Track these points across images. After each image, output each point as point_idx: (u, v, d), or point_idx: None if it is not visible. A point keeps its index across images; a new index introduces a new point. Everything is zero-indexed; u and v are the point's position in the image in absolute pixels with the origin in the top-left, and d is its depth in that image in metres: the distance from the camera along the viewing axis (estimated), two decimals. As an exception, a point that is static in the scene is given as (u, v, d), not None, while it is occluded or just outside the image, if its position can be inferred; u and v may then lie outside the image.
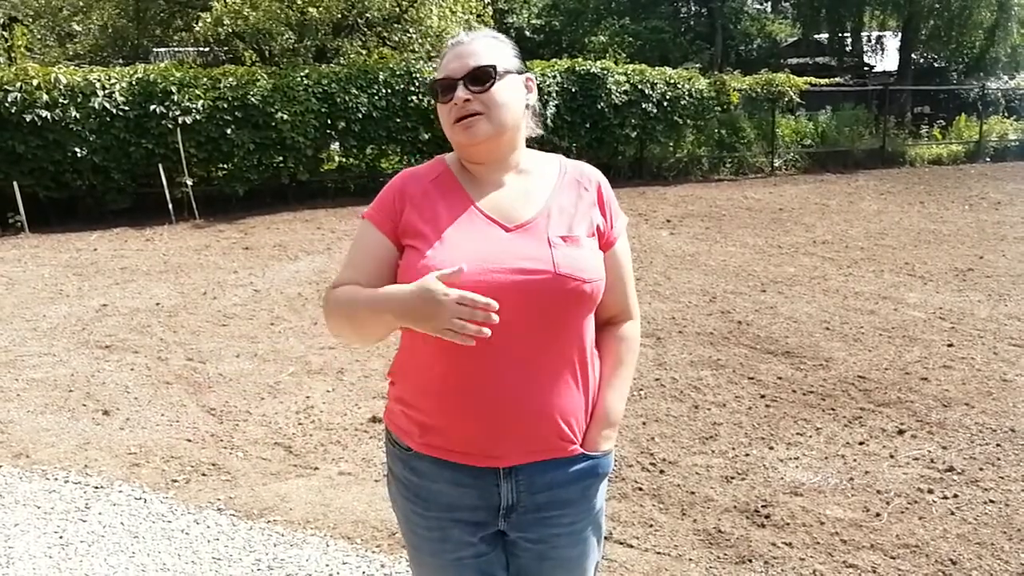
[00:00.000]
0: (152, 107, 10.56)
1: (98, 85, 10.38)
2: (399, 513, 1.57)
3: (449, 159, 1.55)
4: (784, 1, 29.49)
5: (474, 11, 14.62)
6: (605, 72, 13.73)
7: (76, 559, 2.92)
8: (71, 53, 16.44)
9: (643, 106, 14.01)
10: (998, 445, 3.75)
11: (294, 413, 4.29)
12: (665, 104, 14.33)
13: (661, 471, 3.56)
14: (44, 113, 9.95)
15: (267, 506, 3.30)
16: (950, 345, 5.22)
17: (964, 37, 23.25)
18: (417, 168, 1.56)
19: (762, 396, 4.41)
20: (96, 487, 3.48)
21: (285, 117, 11.24)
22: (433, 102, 1.52)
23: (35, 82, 9.97)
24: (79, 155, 10.25)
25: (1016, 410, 4.15)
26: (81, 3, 16.03)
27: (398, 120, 12.18)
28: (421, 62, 12.73)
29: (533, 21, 26.63)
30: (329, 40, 14.58)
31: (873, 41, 27.91)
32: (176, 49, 18.84)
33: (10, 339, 5.64)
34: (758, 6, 31.11)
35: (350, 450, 3.84)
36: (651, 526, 3.11)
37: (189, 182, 10.84)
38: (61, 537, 3.07)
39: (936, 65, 26.28)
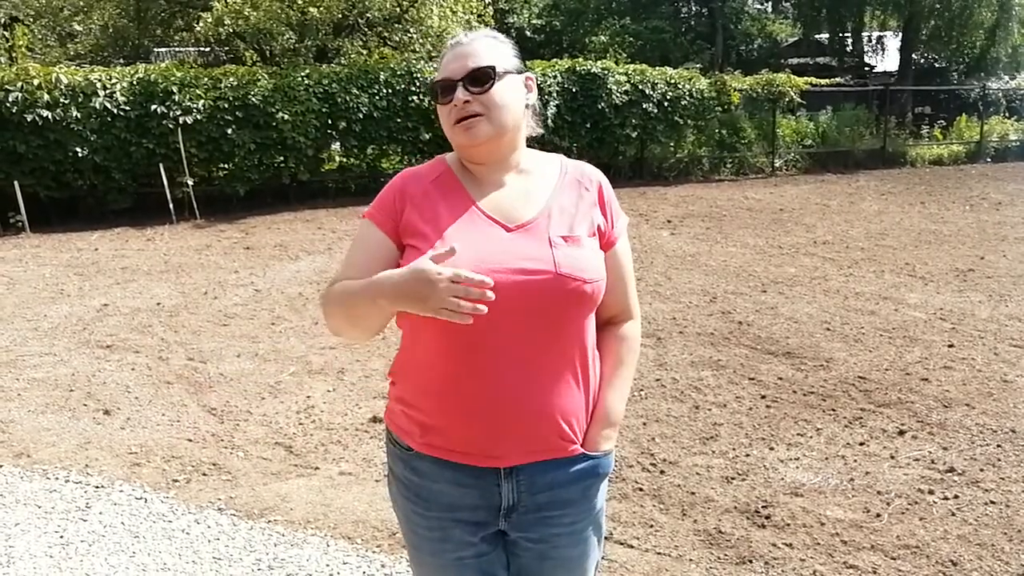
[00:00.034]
0: (153, 107, 10.57)
1: (99, 85, 10.39)
2: (400, 513, 1.57)
3: (450, 159, 1.55)
4: (785, 1, 29.47)
5: (475, 11, 14.62)
6: (606, 72, 13.73)
7: (77, 558, 2.92)
8: (72, 53, 16.44)
9: (644, 106, 14.01)
10: (999, 446, 3.75)
11: (295, 413, 4.29)
12: (666, 104, 14.32)
13: (661, 471, 3.56)
14: (45, 113, 9.95)
15: (268, 506, 3.30)
16: (951, 346, 5.22)
17: (965, 37, 23.25)
18: (418, 168, 1.56)
19: (763, 396, 4.41)
20: (97, 487, 3.48)
21: (286, 117, 11.24)
22: (433, 103, 1.52)
23: (36, 82, 9.98)
24: (80, 155, 10.26)
25: (1017, 411, 4.15)
26: (82, 3, 16.03)
27: (399, 120, 12.19)
28: (422, 62, 12.74)
29: (534, 21, 26.63)
30: (330, 40, 14.59)
31: (874, 41, 27.92)
32: (177, 49, 18.84)
33: (11, 339, 5.65)
34: (759, 6, 31.10)
35: (351, 450, 3.84)
36: (651, 526, 3.11)
37: (190, 182, 10.85)
38: (62, 536, 3.08)
39: (937, 65, 26.27)
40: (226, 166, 11.42)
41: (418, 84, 12.13)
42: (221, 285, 7.19)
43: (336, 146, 12.85)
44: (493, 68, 1.44)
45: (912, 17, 23.04)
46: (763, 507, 3.21)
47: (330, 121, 11.76)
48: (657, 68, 15.03)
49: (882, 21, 26.06)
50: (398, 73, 12.20)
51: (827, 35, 26.17)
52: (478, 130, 1.44)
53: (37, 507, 3.31)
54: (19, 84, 9.90)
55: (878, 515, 3.16)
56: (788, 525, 3.09)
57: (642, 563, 2.87)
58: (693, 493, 3.35)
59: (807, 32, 26.49)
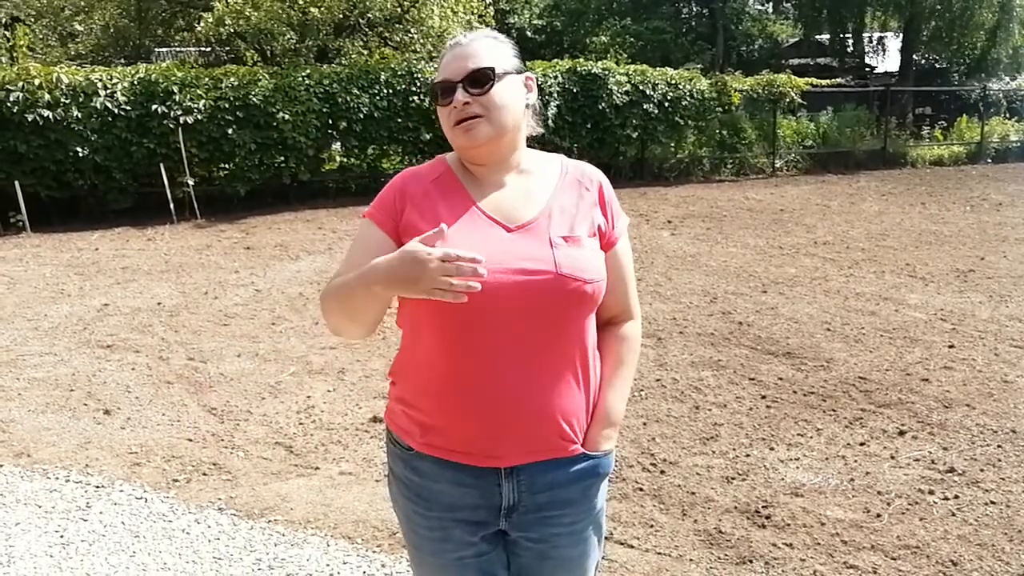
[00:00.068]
0: (154, 107, 10.57)
1: (100, 85, 10.40)
2: (400, 513, 1.57)
3: (450, 159, 1.55)
4: (785, 2, 29.47)
5: (475, 11, 14.63)
6: (606, 72, 13.73)
7: (77, 558, 2.92)
8: (73, 53, 16.44)
9: (644, 106, 14.01)
10: (999, 446, 3.75)
11: (295, 413, 4.29)
12: (666, 105, 14.32)
13: (662, 471, 3.56)
14: (46, 113, 9.96)
15: (268, 506, 3.30)
16: (951, 346, 5.22)
17: (965, 38, 23.24)
18: (418, 168, 1.56)
19: (763, 397, 4.41)
20: (97, 486, 3.48)
21: (286, 117, 11.25)
22: (433, 104, 1.52)
23: (37, 82, 9.98)
24: (81, 155, 10.26)
25: (1017, 411, 4.15)
26: (83, 3, 16.04)
27: (399, 120, 12.20)
28: (422, 62, 12.74)
29: (535, 21, 26.64)
30: (331, 40, 14.60)
31: (874, 42, 27.93)
32: (178, 49, 18.85)
33: (11, 338, 5.65)
34: (759, 7, 31.10)
35: (351, 450, 3.84)
36: (652, 526, 3.11)
37: (190, 182, 10.86)
38: (62, 536, 3.08)
39: (937, 66, 26.28)
40: (227, 166, 11.42)
41: (419, 84, 12.13)
42: (221, 285, 7.20)
43: (337, 146, 12.86)
44: (492, 69, 1.44)
45: (913, 18, 23.03)
46: (763, 507, 3.21)
47: (331, 121, 11.76)
48: (658, 68, 15.04)
49: (883, 22, 26.06)
50: (399, 73, 12.21)
51: (828, 36, 26.17)
52: (478, 131, 1.44)
53: (37, 507, 3.31)
54: (20, 84, 9.90)
55: (878, 515, 3.16)
56: (788, 525, 3.09)
57: (642, 563, 2.87)
58: (693, 493, 3.35)
59: (808, 33, 26.50)
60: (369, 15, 14.21)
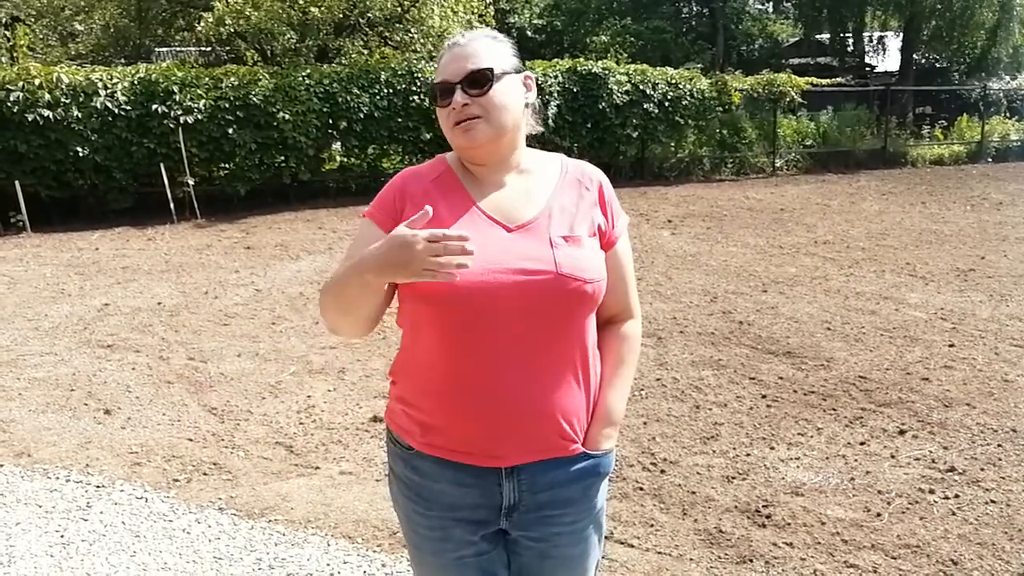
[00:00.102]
0: (154, 107, 10.58)
1: (100, 85, 10.40)
2: (400, 512, 1.57)
3: (450, 158, 1.55)
4: (786, 1, 29.47)
5: (476, 11, 14.63)
6: (607, 72, 13.73)
7: (77, 558, 2.92)
8: (73, 53, 16.45)
9: (644, 106, 14.01)
10: (999, 445, 3.75)
11: (295, 412, 4.29)
12: (667, 104, 14.32)
13: (662, 471, 3.56)
14: (46, 112, 9.96)
15: (268, 505, 3.30)
16: (951, 345, 5.22)
17: (966, 37, 23.24)
18: (418, 167, 1.55)
19: (763, 396, 4.41)
20: (97, 486, 3.48)
21: (287, 117, 11.25)
22: (432, 105, 1.52)
23: (37, 81, 9.98)
24: (81, 154, 10.26)
25: (1017, 410, 4.15)
26: (83, 3, 16.04)
27: (400, 120, 12.20)
28: (423, 62, 12.74)
29: (535, 21, 26.63)
30: (331, 40, 14.60)
31: (875, 41, 27.91)
32: (178, 49, 18.86)
33: (12, 338, 5.65)
34: (760, 6, 31.09)
35: (351, 449, 3.84)
36: (652, 526, 3.11)
37: (191, 182, 10.86)
38: (62, 536, 3.08)
39: (938, 65, 26.26)
40: (227, 166, 11.42)
41: (419, 84, 12.13)
42: (222, 285, 7.20)
43: (337, 146, 12.86)
44: (491, 70, 1.44)
45: (913, 17, 23.03)
46: (764, 506, 3.21)
47: (331, 121, 11.76)
48: (658, 68, 15.04)
49: (883, 21, 26.05)
50: (399, 73, 12.21)
51: (828, 35, 26.17)
52: (477, 132, 1.44)
53: (38, 506, 3.31)
54: (20, 84, 9.91)
55: (878, 514, 3.16)
56: (788, 524, 3.09)
57: (642, 562, 2.87)
58: (693, 492, 3.35)
59: (808, 32, 26.49)
60: (369, 15, 14.21)
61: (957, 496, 3.29)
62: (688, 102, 14.56)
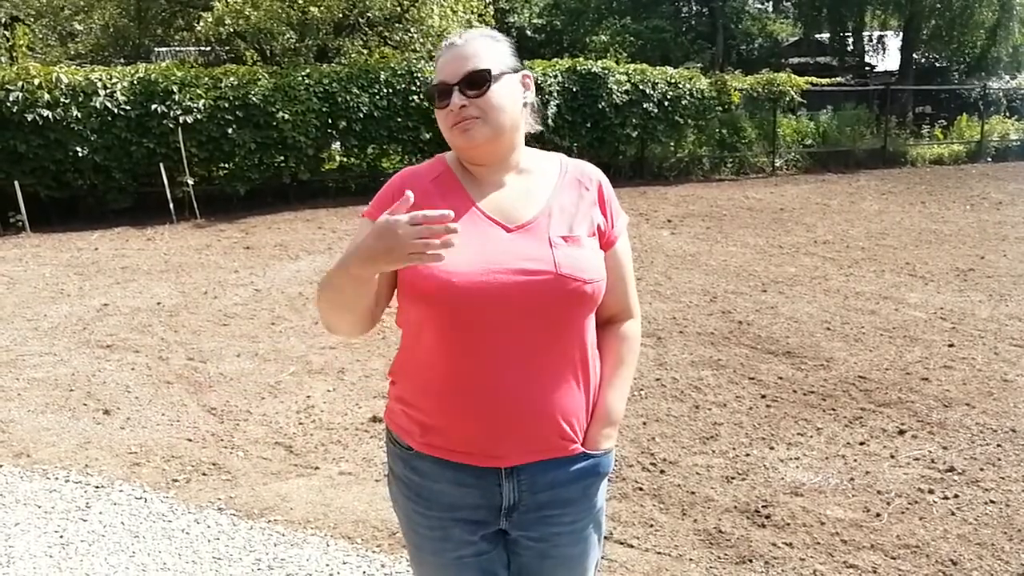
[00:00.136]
0: (153, 106, 10.57)
1: (99, 84, 10.39)
2: (400, 513, 1.57)
3: (449, 158, 1.55)
4: (785, 1, 29.47)
5: (475, 10, 14.62)
6: (606, 72, 13.72)
7: (77, 558, 2.92)
8: (72, 52, 16.46)
9: (644, 106, 14.01)
10: (999, 445, 3.75)
11: (295, 413, 4.29)
12: (666, 104, 14.32)
13: (662, 471, 3.56)
14: (45, 112, 9.96)
15: (267, 506, 3.30)
16: (951, 345, 5.22)
17: (965, 37, 23.25)
18: (417, 167, 1.55)
19: (763, 396, 4.41)
20: (97, 486, 3.48)
21: (286, 116, 11.24)
22: (431, 106, 1.52)
23: (37, 81, 9.98)
24: (80, 154, 10.26)
25: (1017, 410, 4.15)
26: (83, 2, 16.04)
27: (399, 120, 12.19)
28: (422, 62, 12.73)
29: (534, 20, 26.63)
30: (330, 40, 14.60)
31: (874, 41, 27.93)
32: (177, 48, 18.86)
33: (11, 338, 5.65)
34: (759, 6, 31.09)
35: (351, 450, 3.84)
36: (651, 526, 3.11)
37: (190, 181, 10.85)
38: (62, 536, 3.08)
39: (937, 65, 26.28)
40: (226, 166, 11.42)
41: (419, 84, 12.13)
42: (221, 285, 7.19)
43: (336, 146, 12.85)
44: (489, 71, 1.43)
45: (913, 17, 23.04)
46: (763, 507, 3.21)
47: (330, 121, 11.76)
48: (658, 68, 15.03)
49: (883, 21, 26.07)
50: (398, 73, 12.20)
51: (828, 35, 26.18)
52: (475, 133, 1.43)
53: (37, 507, 3.31)
54: (20, 84, 9.90)
55: (878, 515, 3.16)
56: (788, 525, 3.09)
57: (642, 562, 2.87)
58: (693, 493, 3.35)
59: (808, 32, 26.50)
60: (369, 14, 14.21)
61: (956, 496, 3.29)
62: (688, 102, 14.56)
